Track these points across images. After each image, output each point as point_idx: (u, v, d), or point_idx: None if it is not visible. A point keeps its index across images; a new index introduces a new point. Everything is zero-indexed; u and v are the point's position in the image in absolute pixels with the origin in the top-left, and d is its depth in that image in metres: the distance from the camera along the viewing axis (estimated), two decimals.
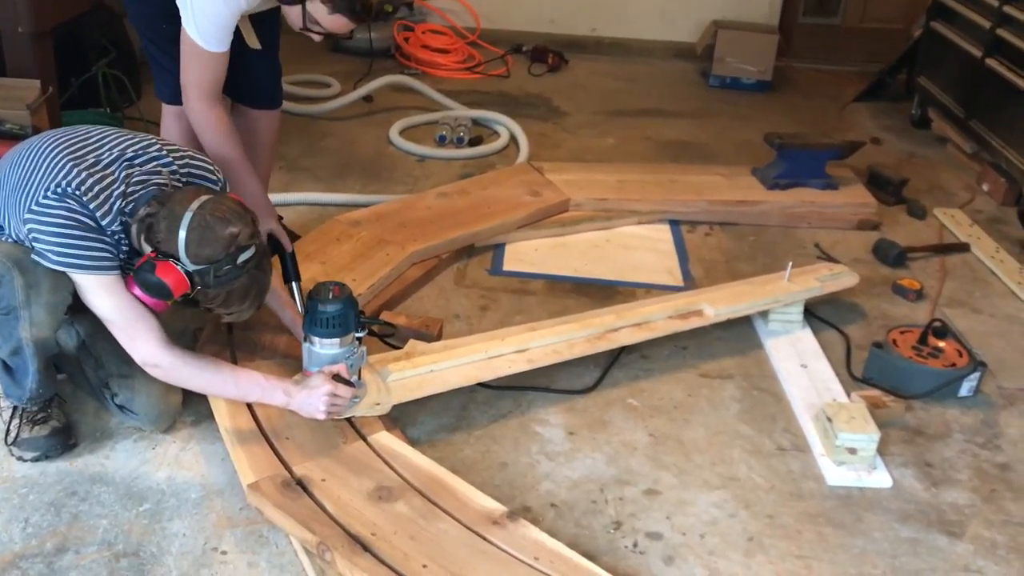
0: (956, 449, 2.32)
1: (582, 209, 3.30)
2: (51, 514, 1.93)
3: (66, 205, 1.83)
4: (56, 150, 1.90)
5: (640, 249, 3.18)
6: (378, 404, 2.10)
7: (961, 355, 2.52)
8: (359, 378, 2.11)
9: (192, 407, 2.21)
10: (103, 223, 1.87)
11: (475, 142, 3.96)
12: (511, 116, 4.13)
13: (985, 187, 3.83)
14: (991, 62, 3.76)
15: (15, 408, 2.08)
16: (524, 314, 2.76)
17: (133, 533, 1.90)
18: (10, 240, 1.95)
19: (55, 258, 1.84)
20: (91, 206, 1.85)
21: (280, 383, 1.99)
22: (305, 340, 2.07)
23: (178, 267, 1.84)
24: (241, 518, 1.95)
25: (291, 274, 2.38)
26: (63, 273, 1.90)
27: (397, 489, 1.90)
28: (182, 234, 1.83)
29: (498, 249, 3.10)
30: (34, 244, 1.86)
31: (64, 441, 2.09)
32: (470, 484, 1.94)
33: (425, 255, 2.89)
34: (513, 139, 3.99)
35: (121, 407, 2.14)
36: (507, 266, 3.02)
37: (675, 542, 1.97)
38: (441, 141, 3.94)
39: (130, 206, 1.90)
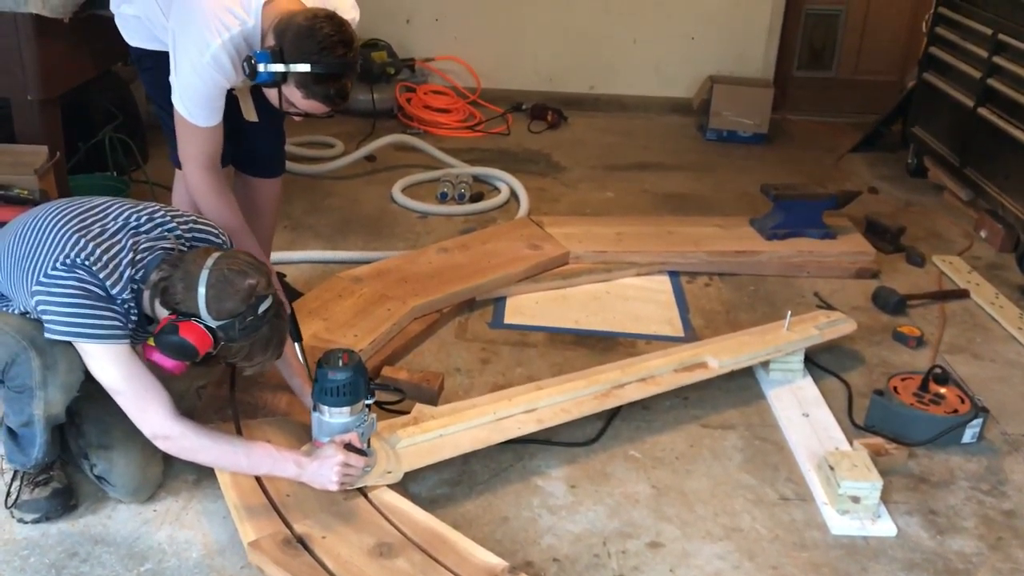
0: (961, 496, 2.30)
1: (582, 261, 3.32)
2: (52, 574, 1.92)
3: (76, 275, 1.84)
4: (61, 222, 1.91)
5: (640, 300, 3.20)
6: (389, 472, 2.08)
7: (963, 401, 2.52)
8: (369, 446, 2.10)
9: (192, 466, 2.20)
10: (113, 292, 1.87)
11: (476, 198, 4.01)
12: (511, 172, 4.19)
13: (983, 234, 3.85)
14: (983, 111, 3.82)
15: (16, 471, 2.09)
16: (525, 366, 2.77)
17: None
18: (17, 311, 1.98)
19: (64, 328, 1.83)
20: (100, 275, 1.85)
21: (291, 455, 1.97)
22: (314, 409, 2.06)
23: (200, 325, 1.84)
24: None
25: (292, 334, 2.39)
26: (77, 351, 1.90)
27: (397, 545, 1.89)
28: (201, 291, 1.84)
29: (499, 302, 3.12)
30: (42, 316, 1.86)
31: (65, 502, 2.09)
32: (471, 539, 1.93)
33: (426, 310, 2.91)
34: (513, 194, 4.05)
35: (99, 478, 2.12)
36: (508, 319, 3.04)
37: None
38: (443, 198, 3.99)
39: (140, 273, 1.90)
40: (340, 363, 2.01)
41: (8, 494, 2.09)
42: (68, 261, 1.84)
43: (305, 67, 2.14)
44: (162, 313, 1.90)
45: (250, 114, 2.53)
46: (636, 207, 4.07)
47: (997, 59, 3.76)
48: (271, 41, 2.18)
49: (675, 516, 2.19)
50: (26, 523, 2.05)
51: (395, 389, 2.46)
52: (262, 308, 1.88)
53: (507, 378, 2.70)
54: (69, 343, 1.89)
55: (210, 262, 1.87)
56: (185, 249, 1.99)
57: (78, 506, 2.12)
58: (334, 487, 1.96)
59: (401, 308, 2.85)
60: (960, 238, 3.86)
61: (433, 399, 2.54)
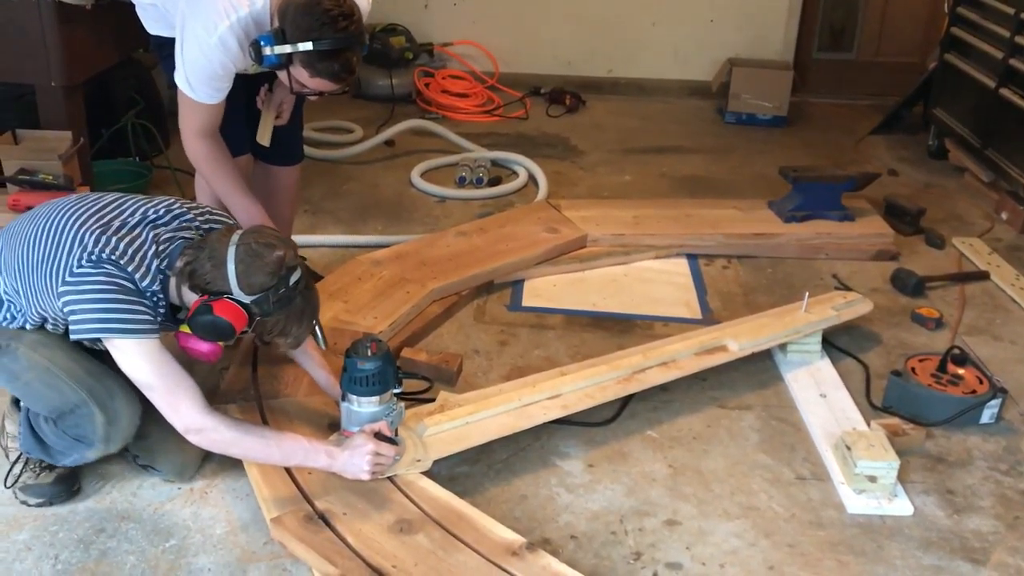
0: (979, 476, 2.31)
1: (599, 244, 3.34)
2: (80, 551, 1.97)
3: (104, 270, 1.81)
4: (78, 221, 1.89)
5: (657, 283, 3.21)
6: (419, 460, 2.08)
7: (981, 382, 2.51)
8: (396, 434, 2.10)
9: None
10: (142, 285, 1.85)
11: (494, 182, 4.02)
12: (529, 156, 4.20)
13: (1004, 215, 3.83)
14: (1005, 91, 3.79)
15: (23, 455, 2.10)
16: (543, 348, 2.79)
17: (159, 569, 1.93)
18: (27, 323, 1.94)
19: (94, 325, 1.80)
20: (128, 269, 1.83)
21: (323, 445, 1.96)
22: (343, 399, 2.06)
23: (234, 302, 1.83)
24: (265, 552, 1.98)
25: None
26: (134, 396, 1.92)
27: (417, 522, 1.92)
28: (231, 267, 1.83)
29: (517, 285, 3.14)
30: (70, 316, 1.82)
31: (68, 487, 2.10)
32: (490, 516, 1.95)
33: (445, 292, 2.94)
34: (532, 178, 4.06)
35: (144, 466, 2.15)
36: (526, 302, 3.05)
37: (695, 572, 1.97)
38: (461, 182, 4.01)
39: (165, 263, 1.89)
40: (369, 352, 2.01)
41: (9, 473, 2.10)
42: (93, 257, 1.82)
43: (308, 45, 2.12)
44: (191, 298, 1.89)
45: (265, 138, 2.57)
46: (654, 190, 4.07)
47: (1020, 39, 3.72)
48: (276, 22, 2.18)
49: (692, 495, 2.20)
50: (30, 507, 2.07)
51: (422, 377, 2.45)
52: (293, 279, 1.87)
53: (525, 360, 2.72)
54: (125, 389, 1.92)
55: (235, 238, 1.87)
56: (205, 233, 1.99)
57: (81, 490, 2.13)
58: (366, 476, 1.96)
59: (420, 291, 2.87)
60: (981, 220, 3.84)
61: (451, 380, 2.57)
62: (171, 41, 2.48)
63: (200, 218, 2.03)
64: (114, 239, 1.86)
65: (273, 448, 1.92)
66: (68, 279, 1.82)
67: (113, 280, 1.82)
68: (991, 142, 3.92)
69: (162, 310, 1.92)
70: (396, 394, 2.08)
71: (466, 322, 2.93)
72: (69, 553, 1.96)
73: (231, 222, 2.12)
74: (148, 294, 1.87)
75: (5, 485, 2.11)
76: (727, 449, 2.37)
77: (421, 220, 3.68)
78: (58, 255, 1.85)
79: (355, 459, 1.95)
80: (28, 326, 1.96)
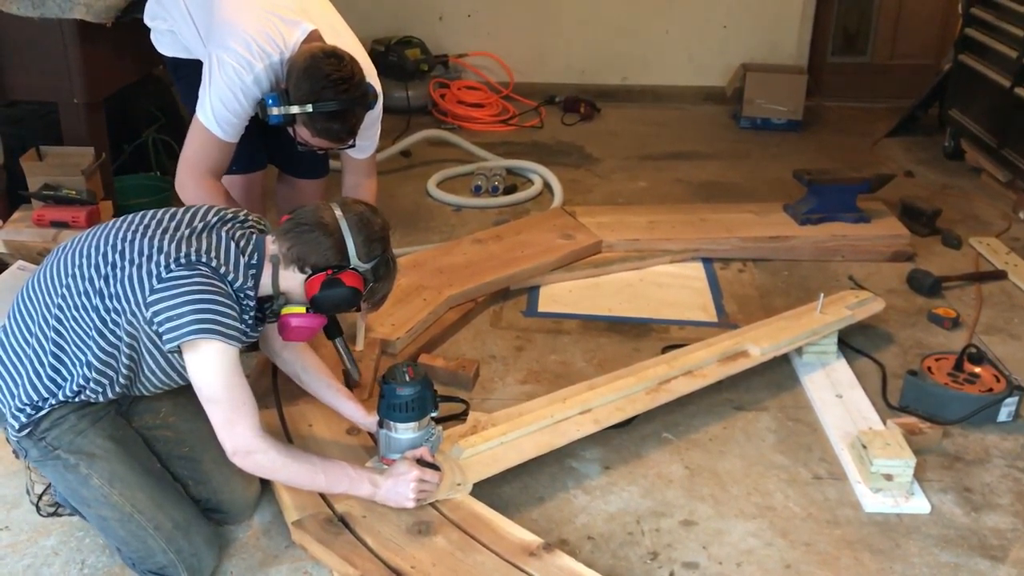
0: (997, 474, 2.30)
1: (615, 250, 3.35)
2: (106, 555, 2.01)
3: (199, 272, 1.76)
4: (145, 236, 1.82)
5: (673, 287, 3.22)
6: (459, 484, 2.05)
7: (999, 380, 2.51)
8: (434, 459, 2.07)
9: None
10: (235, 285, 1.81)
11: (510, 191, 4.05)
12: (544, 164, 4.22)
13: (1021, 215, 3.81)
14: (1021, 91, 3.78)
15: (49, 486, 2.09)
16: (559, 353, 2.81)
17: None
18: (78, 386, 1.82)
19: (191, 328, 1.72)
20: (221, 271, 1.79)
21: (367, 473, 1.94)
22: (380, 426, 2.04)
23: (355, 272, 1.87)
24: (286, 556, 2.01)
25: (332, 330, 2.36)
26: (216, 548, 1.94)
27: (435, 524, 1.94)
28: (349, 238, 1.86)
29: (533, 291, 3.17)
30: (162, 325, 1.74)
31: None
32: (507, 518, 1.97)
33: (461, 299, 2.97)
34: (547, 186, 4.08)
35: (207, 510, 2.05)
36: (542, 307, 3.08)
37: (712, 571, 1.98)
38: (477, 191, 4.04)
39: (254, 258, 1.86)
40: (406, 378, 2.00)
41: (33, 493, 2.11)
42: (184, 260, 1.76)
43: (308, 108, 2.20)
44: (295, 281, 1.87)
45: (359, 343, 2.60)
46: (669, 196, 4.09)
47: None
48: (284, 80, 2.25)
49: (708, 495, 2.21)
50: (60, 516, 2.09)
51: (461, 400, 2.44)
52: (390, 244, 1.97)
53: (541, 364, 2.75)
54: (208, 537, 1.93)
55: (338, 212, 1.88)
56: (264, 230, 1.96)
57: None
58: (411, 504, 1.93)
59: (437, 298, 2.90)
60: (998, 219, 3.83)
61: (468, 385, 2.60)
62: (187, 62, 2.54)
63: (251, 218, 1.97)
64: (195, 242, 1.81)
65: (319, 475, 1.89)
66: (158, 285, 1.74)
67: (209, 282, 1.76)
68: (1007, 142, 3.91)
69: (249, 311, 1.86)
70: (433, 418, 2.07)
71: (483, 328, 2.95)
72: (95, 558, 2.00)
73: (263, 220, 2.04)
74: (241, 296, 1.83)
75: (32, 503, 2.11)
76: (743, 450, 2.38)
77: (438, 229, 3.71)
78: (137, 267, 1.78)
79: (399, 487, 1.93)
80: (75, 389, 1.83)
